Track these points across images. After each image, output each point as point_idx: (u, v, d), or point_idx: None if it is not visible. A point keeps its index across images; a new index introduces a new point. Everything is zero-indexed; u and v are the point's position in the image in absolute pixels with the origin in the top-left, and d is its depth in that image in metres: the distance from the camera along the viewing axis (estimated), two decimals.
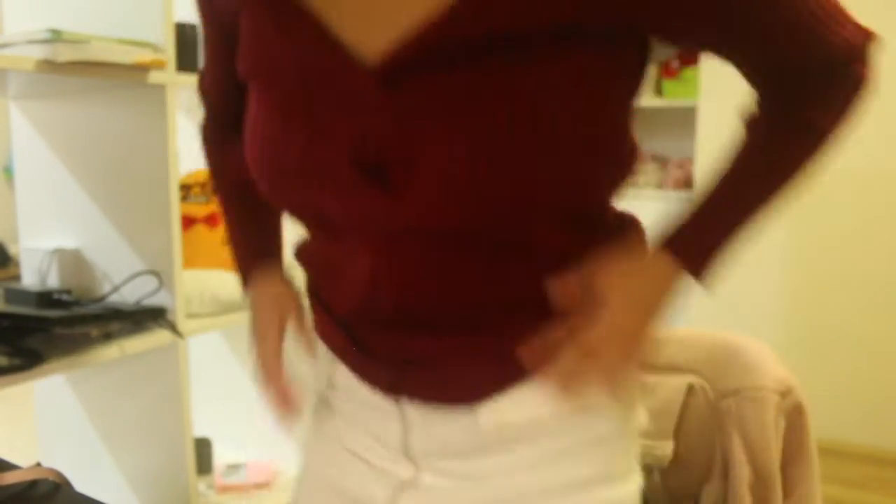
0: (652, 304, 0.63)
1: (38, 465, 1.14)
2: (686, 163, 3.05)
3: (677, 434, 1.03)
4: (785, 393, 0.97)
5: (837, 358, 2.58)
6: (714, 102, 2.65)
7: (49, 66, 1.13)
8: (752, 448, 0.96)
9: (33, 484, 1.09)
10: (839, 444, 2.57)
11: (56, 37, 1.14)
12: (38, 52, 1.13)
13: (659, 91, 3.09)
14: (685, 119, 3.33)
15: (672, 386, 1.05)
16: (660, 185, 3.08)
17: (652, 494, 1.07)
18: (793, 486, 0.98)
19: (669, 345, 1.09)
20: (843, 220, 2.53)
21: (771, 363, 1.00)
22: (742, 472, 0.96)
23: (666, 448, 1.03)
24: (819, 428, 2.84)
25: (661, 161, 3.23)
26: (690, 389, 1.04)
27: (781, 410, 0.97)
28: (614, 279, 0.62)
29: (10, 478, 1.09)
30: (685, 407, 1.04)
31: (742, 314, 2.72)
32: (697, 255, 0.63)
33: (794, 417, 0.98)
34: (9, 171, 5.33)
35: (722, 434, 1.00)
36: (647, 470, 1.04)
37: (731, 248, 0.64)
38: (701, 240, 0.64)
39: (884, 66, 2.29)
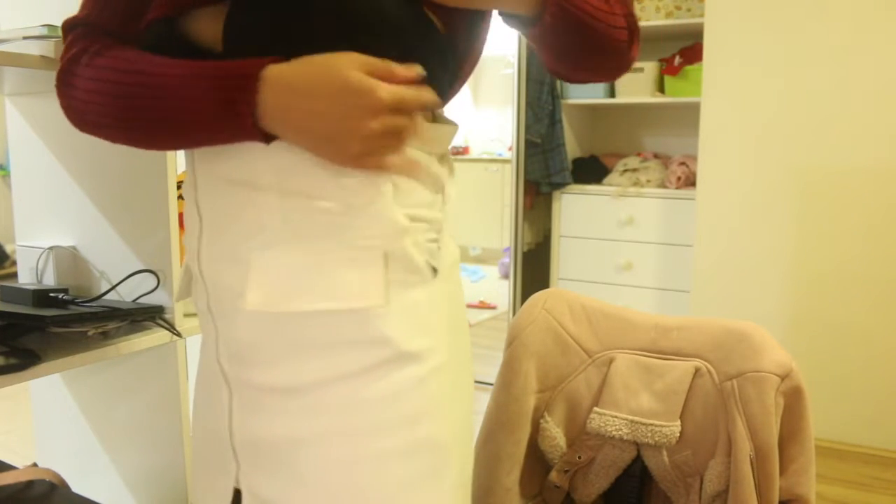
0: None
1: (35, 465, 1.13)
2: (689, 160, 3.04)
3: (684, 414, 1.09)
4: (784, 375, 1.02)
5: (840, 358, 2.57)
6: (716, 99, 2.64)
7: (45, 63, 1.11)
8: (753, 426, 1.01)
9: (29, 484, 1.08)
10: (842, 445, 2.56)
11: (52, 32, 1.13)
12: (35, 49, 1.12)
13: (661, 88, 3.07)
14: (687, 116, 3.32)
15: (679, 370, 1.11)
16: (662, 183, 3.07)
17: (660, 471, 1.11)
18: (790, 461, 1.04)
19: (677, 332, 1.14)
20: (846, 221, 2.52)
21: (772, 347, 1.05)
22: (744, 449, 1.01)
23: (674, 428, 1.08)
24: (822, 428, 2.80)
25: (664, 158, 3.22)
26: (697, 373, 1.09)
27: (781, 391, 1.02)
28: None
29: (7, 478, 1.08)
30: (692, 389, 1.09)
31: (745, 314, 2.71)
32: None
33: (793, 398, 1.03)
34: (4, 169, 5.32)
35: (726, 414, 1.05)
36: (657, 448, 1.10)
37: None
38: None
39: (885, 67, 2.28)
